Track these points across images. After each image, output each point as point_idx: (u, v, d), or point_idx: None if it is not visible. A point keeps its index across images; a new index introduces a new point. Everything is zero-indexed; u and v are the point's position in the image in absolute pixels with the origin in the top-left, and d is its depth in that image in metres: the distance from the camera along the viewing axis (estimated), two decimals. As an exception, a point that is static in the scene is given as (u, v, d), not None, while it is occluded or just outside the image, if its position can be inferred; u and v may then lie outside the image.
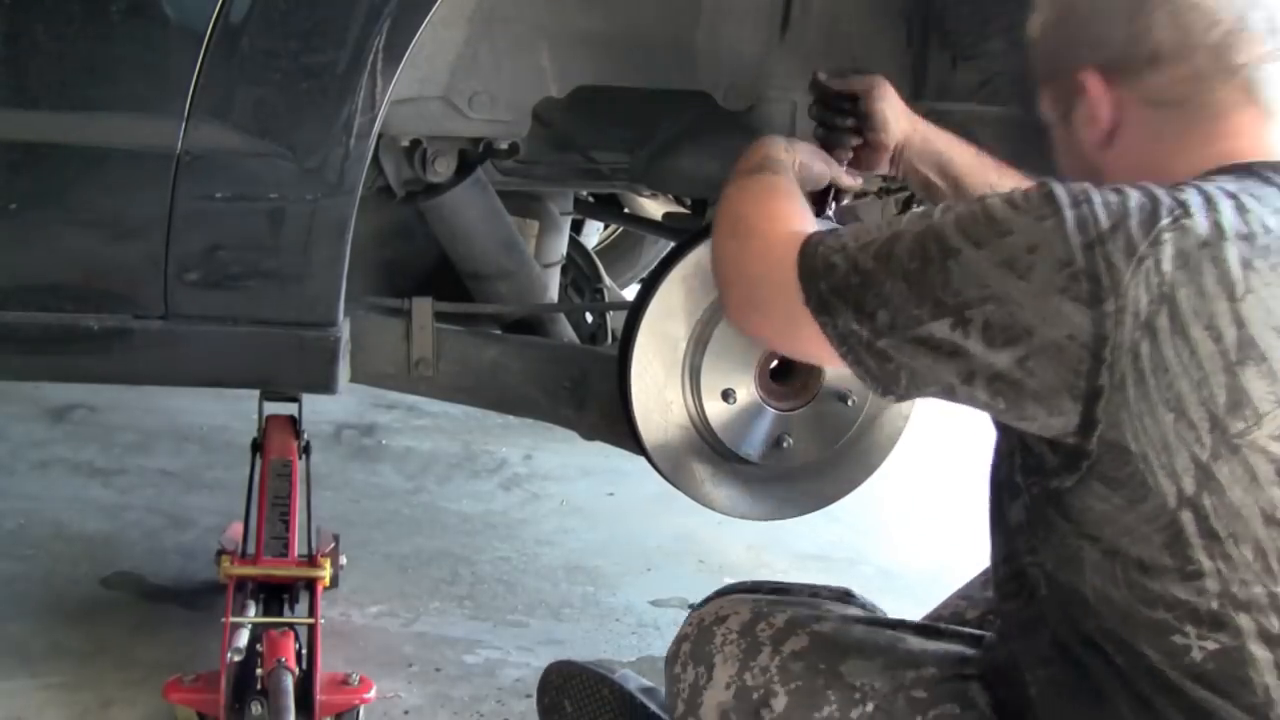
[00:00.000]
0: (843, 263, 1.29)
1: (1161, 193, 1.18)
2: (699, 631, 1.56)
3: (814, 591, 1.66)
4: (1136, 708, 1.23)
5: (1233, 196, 1.19)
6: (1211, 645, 1.18)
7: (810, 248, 1.33)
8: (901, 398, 1.31)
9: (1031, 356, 1.17)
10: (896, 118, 1.81)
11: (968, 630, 1.59)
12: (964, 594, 1.83)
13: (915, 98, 2.16)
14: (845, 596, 1.66)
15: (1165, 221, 1.15)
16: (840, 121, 1.83)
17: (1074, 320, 1.14)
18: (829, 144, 1.84)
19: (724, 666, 1.49)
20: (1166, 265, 1.14)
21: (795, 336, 1.37)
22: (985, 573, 1.90)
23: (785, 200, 1.53)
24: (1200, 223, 1.16)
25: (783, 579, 2.82)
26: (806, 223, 1.45)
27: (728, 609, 1.56)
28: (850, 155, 1.85)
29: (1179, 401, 1.14)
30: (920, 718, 1.41)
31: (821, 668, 1.45)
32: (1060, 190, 1.19)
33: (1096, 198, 1.18)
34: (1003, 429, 1.33)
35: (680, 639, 1.59)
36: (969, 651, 1.51)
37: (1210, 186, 1.20)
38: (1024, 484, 1.29)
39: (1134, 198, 1.18)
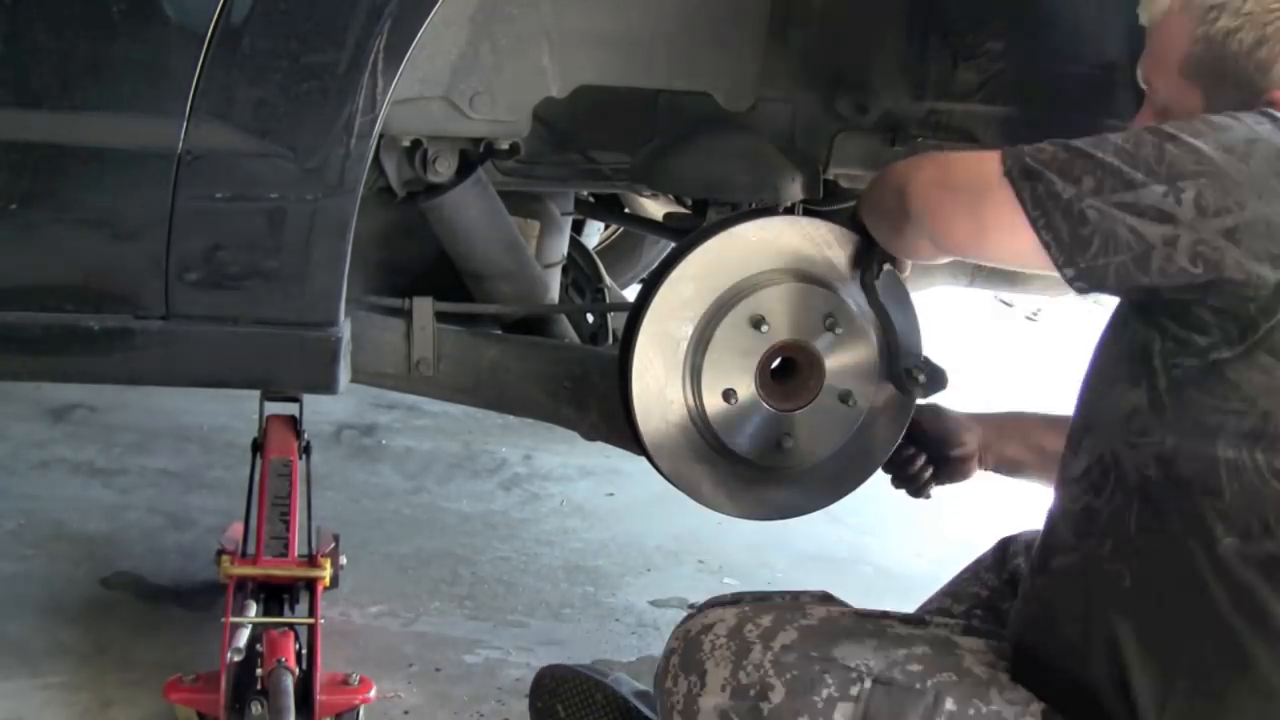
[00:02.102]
0: (1050, 146, 1.37)
1: None
2: (686, 643, 1.56)
3: (795, 595, 1.68)
4: (1239, 599, 1.29)
5: None
6: None
7: (1015, 146, 1.41)
8: (1080, 274, 1.36)
9: (1241, 228, 1.27)
10: (960, 426, 1.95)
11: (954, 621, 1.61)
12: (949, 591, 1.85)
13: (915, 98, 2.17)
14: (826, 599, 1.68)
15: None
16: (911, 468, 1.99)
17: None
18: (911, 488, 2.01)
19: (716, 670, 1.50)
20: None
21: (978, 209, 1.43)
22: (970, 569, 1.92)
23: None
24: None
25: (783, 579, 2.84)
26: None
27: (712, 618, 1.57)
28: (930, 480, 2.01)
29: None
30: (919, 684, 1.43)
31: (814, 655, 1.47)
32: (1261, 110, 1.34)
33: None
34: (1142, 317, 1.40)
35: (668, 654, 1.59)
36: (956, 636, 1.54)
37: None
38: (1162, 367, 1.36)
39: None
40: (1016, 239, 1.37)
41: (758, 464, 2.01)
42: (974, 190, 1.44)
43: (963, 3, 2.11)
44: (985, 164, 1.41)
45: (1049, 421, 1.94)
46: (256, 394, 2.33)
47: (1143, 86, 1.57)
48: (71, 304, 1.76)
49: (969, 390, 2.83)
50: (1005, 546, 1.92)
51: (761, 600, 1.65)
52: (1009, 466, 2.00)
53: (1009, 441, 1.99)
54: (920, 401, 1.96)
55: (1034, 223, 1.35)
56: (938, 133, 2.21)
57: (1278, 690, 1.31)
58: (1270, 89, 1.42)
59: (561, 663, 2.05)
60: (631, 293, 3.00)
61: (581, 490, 3.25)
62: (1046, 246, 1.35)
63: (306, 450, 2.33)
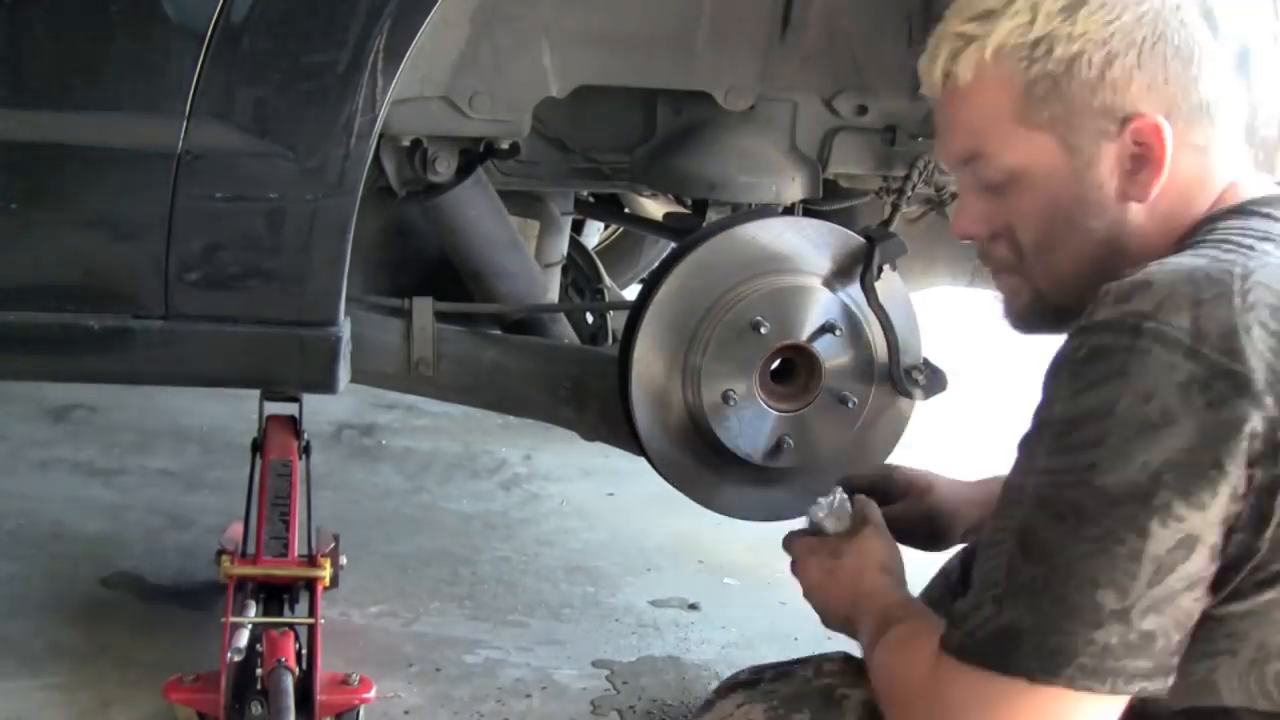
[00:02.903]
0: (1011, 608, 1.12)
1: (1199, 263, 1.14)
2: None
3: (818, 668, 1.47)
4: None
5: (1265, 238, 1.18)
6: None
7: (949, 635, 1.17)
8: (1172, 670, 1.12)
9: (1234, 482, 1.08)
10: (951, 520, 1.71)
11: None
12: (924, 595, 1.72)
13: (915, 98, 2.16)
14: (847, 663, 1.48)
15: (1237, 284, 1.11)
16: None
17: (1237, 415, 1.07)
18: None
19: None
20: (1271, 323, 1.10)
21: None
22: (939, 584, 1.80)
23: (901, 641, 1.32)
24: (1271, 276, 1.12)
25: (783, 579, 2.83)
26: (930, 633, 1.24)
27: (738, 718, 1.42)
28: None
29: None
30: None
31: None
32: (1102, 336, 1.12)
33: (1150, 301, 1.11)
34: None
35: None
36: None
37: (1235, 236, 1.19)
38: None
39: (1177, 283, 1.11)
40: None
41: (757, 465, 2.01)
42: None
43: (963, 3, 2.10)
44: (978, 689, 1.14)
45: None
46: (256, 394, 2.33)
47: (950, 175, 1.41)
48: (71, 304, 1.76)
49: (969, 390, 2.83)
50: (966, 564, 1.71)
51: (782, 677, 1.47)
52: None
53: None
54: (926, 498, 1.72)
55: (1114, 692, 1.11)
56: (938, 133, 2.20)
57: None
58: (1132, 112, 1.25)
59: None
60: (631, 293, 3.00)
61: (581, 490, 3.24)
62: (1144, 691, 1.11)
63: (306, 450, 2.33)
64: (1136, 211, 1.29)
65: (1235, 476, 1.07)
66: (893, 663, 1.30)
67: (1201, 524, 1.08)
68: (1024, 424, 1.21)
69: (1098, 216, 1.29)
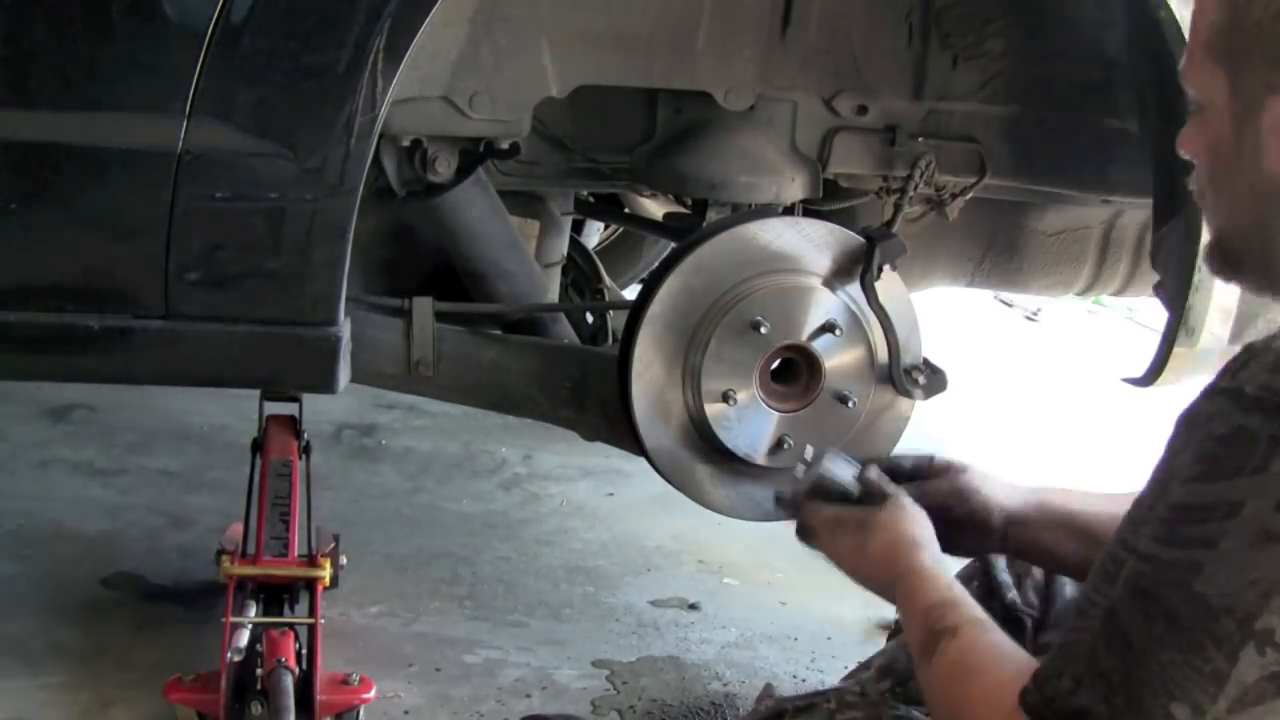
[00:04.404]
0: (1087, 692, 1.05)
1: None
2: None
3: (840, 700, 1.45)
4: None
5: None
6: None
7: (1029, 694, 1.10)
8: None
9: None
10: (989, 510, 1.56)
11: None
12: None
13: (915, 98, 2.17)
14: (863, 696, 1.48)
15: None
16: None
17: None
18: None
19: None
20: None
21: None
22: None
23: (963, 666, 1.24)
24: None
25: (782, 579, 2.84)
26: (1013, 670, 1.17)
27: None
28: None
29: None
30: None
31: None
32: (1249, 418, 1.00)
33: (1259, 381, 1.00)
34: None
35: None
36: None
37: None
38: None
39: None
40: None
41: (757, 465, 2.01)
42: None
43: (963, 2, 2.10)
44: None
45: (1107, 500, 1.50)
46: (256, 394, 2.33)
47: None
48: (71, 304, 1.76)
49: (969, 390, 2.83)
50: (987, 573, 1.68)
51: (806, 710, 1.44)
52: (1040, 557, 1.60)
53: (1046, 529, 1.56)
54: (962, 475, 1.60)
55: None
56: (937, 133, 2.20)
57: None
58: None
59: (540, 713, 2.05)
60: (631, 293, 3.00)
61: (581, 490, 3.24)
62: None
63: (306, 450, 2.33)
64: None
65: None
66: (959, 696, 1.23)
67: None
68: (1141, 476, 1.11)
69: (1252, 172, 1.14)
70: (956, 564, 1.68)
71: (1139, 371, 2.12)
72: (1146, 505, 1.07)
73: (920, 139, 2.19)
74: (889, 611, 1.83)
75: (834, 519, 1.53)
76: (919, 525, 1.45)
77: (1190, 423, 1.05)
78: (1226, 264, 1.23)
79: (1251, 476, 0.98)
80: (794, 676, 2.43)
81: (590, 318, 2.72)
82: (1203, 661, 1.00)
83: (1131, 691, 1.03)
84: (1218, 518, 1.00)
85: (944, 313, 3.95)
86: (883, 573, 1.43)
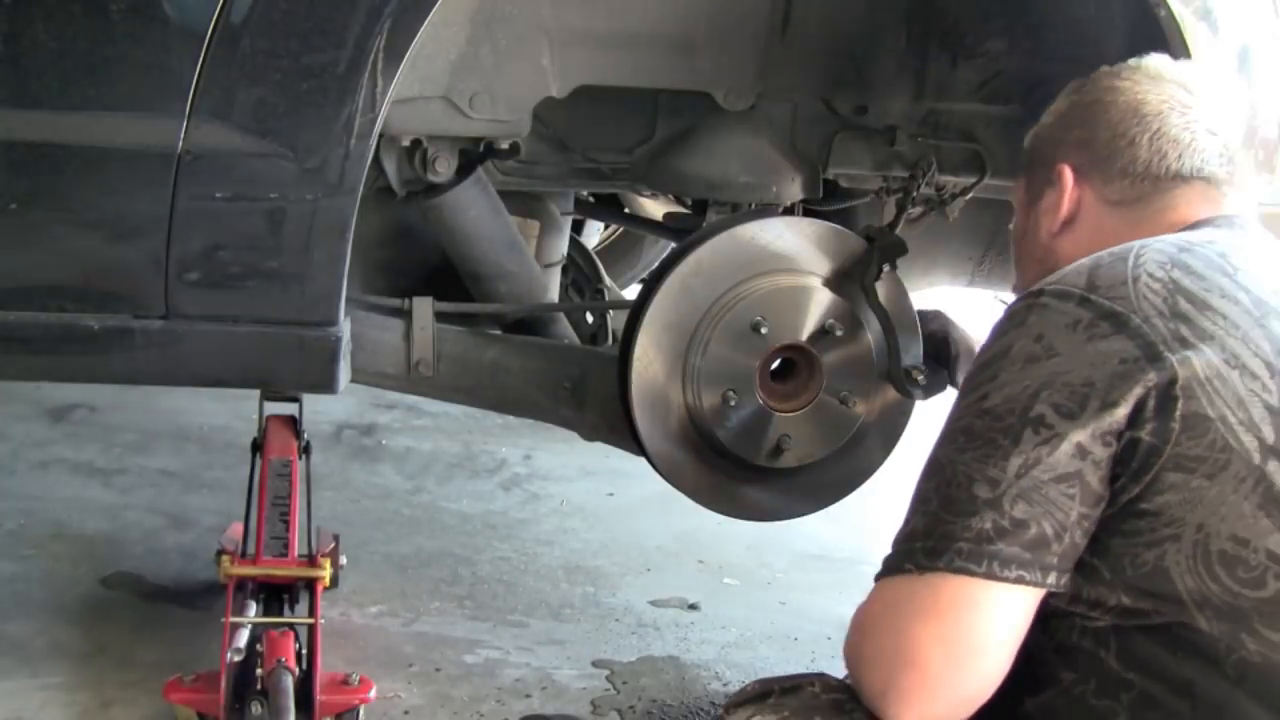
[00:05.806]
0: (913, 519, 1.28)
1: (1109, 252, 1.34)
2: None
3: (825, 683, 1.45)
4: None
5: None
6: None
7: (886, 560, 1.30)
8: (1062, 572, 1.24)
9: (1109, 396, 1.21)
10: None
11: None
12: None
13: (915, 98, 2.17)
14: (847, 679, 1.47)
15: (1134, 251, 1.30)
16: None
17: (1115, 348, 1.23)
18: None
19: None
20: (1157, 271, 1.28)
21: (953, 622, 1.23)
22: None
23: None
24: (1164, 244, 1.32)
25: (782, 579, 2.84)
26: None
27: None
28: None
29: (1235, 358, 1.22)
30: None
31: None
32: (1014, 304, 1.32)
33: (1058, 275, 1.33)
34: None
35: None
36: None
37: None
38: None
39: (1083, 260, 1.33)
40: (996, 603, 1.22)
41: (757, 465, 2.01)
42: (901, 609, 1.26)
43: (963, 3, 2.10)
44: (898, 591, 1.27)
45: None
46: (256, 394, 2.33)
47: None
48: (71, 304, 1.76)
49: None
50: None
51: (792, 690, 1.45)
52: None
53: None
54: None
55: (1014, 581, 1.22)
56: (937, 133, 2.20)
57: None
58: (1056, 161, 1.51)
59: (540, 713, 2.06)
60: (631, 293, 3.00)
61: (581, 490, 3.25)
62: (1021, 580, 1.22)
63: (306, 450, 2.33)
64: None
65: (1116, 393, 1.21)
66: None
67: (1069, 428, 1.21)
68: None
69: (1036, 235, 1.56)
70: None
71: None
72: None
73: (921, 139, 2.19)
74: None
75: None
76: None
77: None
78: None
79: (1016, 329, 1.30)
80: (794, 676, 2.43)
81: (590, 318, 2.72)
82: (993, 449, 1.24)
83: (943, 494, 1.26)
84: (996, 360, 1.29)
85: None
86: None
